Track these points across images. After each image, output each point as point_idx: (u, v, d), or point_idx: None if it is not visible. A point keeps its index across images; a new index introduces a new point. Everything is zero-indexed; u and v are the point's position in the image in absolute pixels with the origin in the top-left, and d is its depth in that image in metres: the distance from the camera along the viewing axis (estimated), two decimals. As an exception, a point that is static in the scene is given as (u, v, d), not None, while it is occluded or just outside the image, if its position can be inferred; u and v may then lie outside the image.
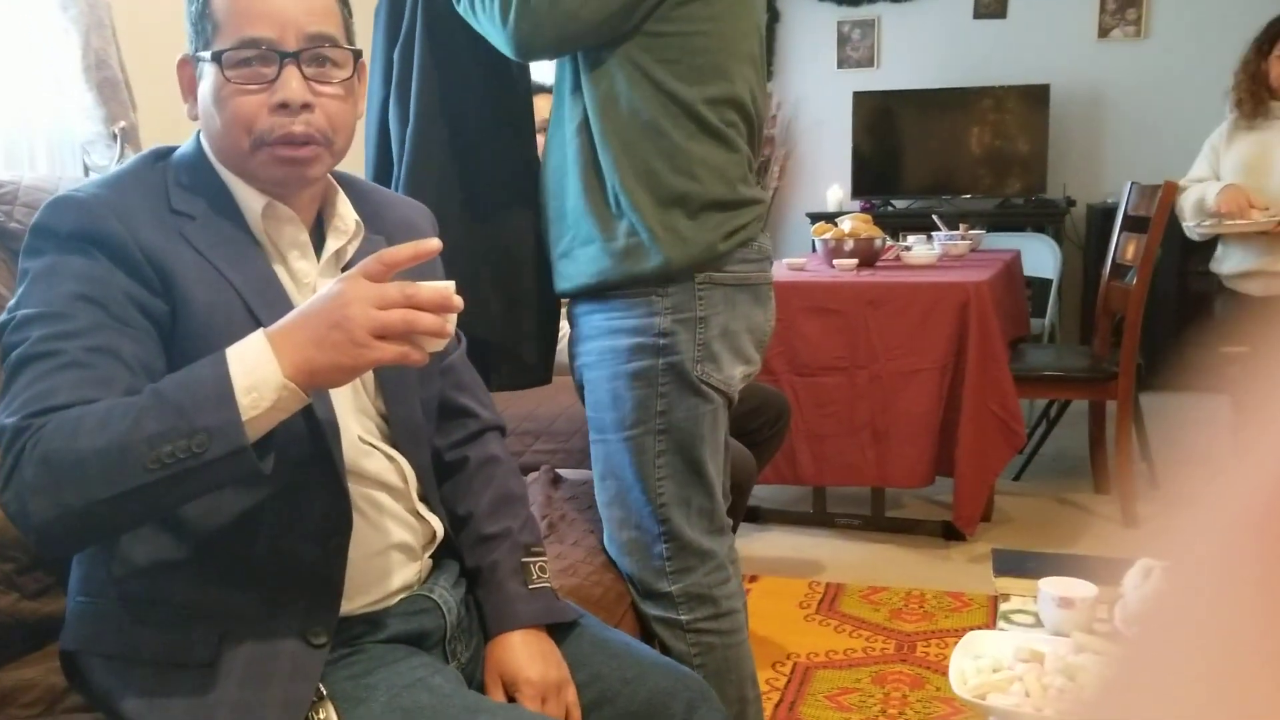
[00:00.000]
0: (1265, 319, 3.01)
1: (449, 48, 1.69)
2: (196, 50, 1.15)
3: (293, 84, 1.12)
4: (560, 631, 1.31)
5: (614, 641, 1.34)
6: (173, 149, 1.21)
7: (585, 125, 1.60)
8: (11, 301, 1.07)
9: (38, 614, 1.36)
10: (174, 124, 2.28)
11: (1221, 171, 3.09)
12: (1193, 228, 3.13)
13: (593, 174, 1.60)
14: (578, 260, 1.64)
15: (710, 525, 1.70)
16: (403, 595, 1.23)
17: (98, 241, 1.07)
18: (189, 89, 1.18)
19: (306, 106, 1.13)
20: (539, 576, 1.32)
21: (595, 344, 1.67)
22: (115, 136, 2.13)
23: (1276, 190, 2.91)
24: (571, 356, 1.74)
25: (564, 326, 2.45)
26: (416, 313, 0.99)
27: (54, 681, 1.27)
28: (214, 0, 1.13)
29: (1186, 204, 3.18)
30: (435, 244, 1.05)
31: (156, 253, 1.08)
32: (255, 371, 0.97)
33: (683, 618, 1.68)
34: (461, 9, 1.61)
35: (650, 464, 1.65)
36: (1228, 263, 3.11)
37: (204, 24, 1.13)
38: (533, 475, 2.11)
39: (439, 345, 1.04)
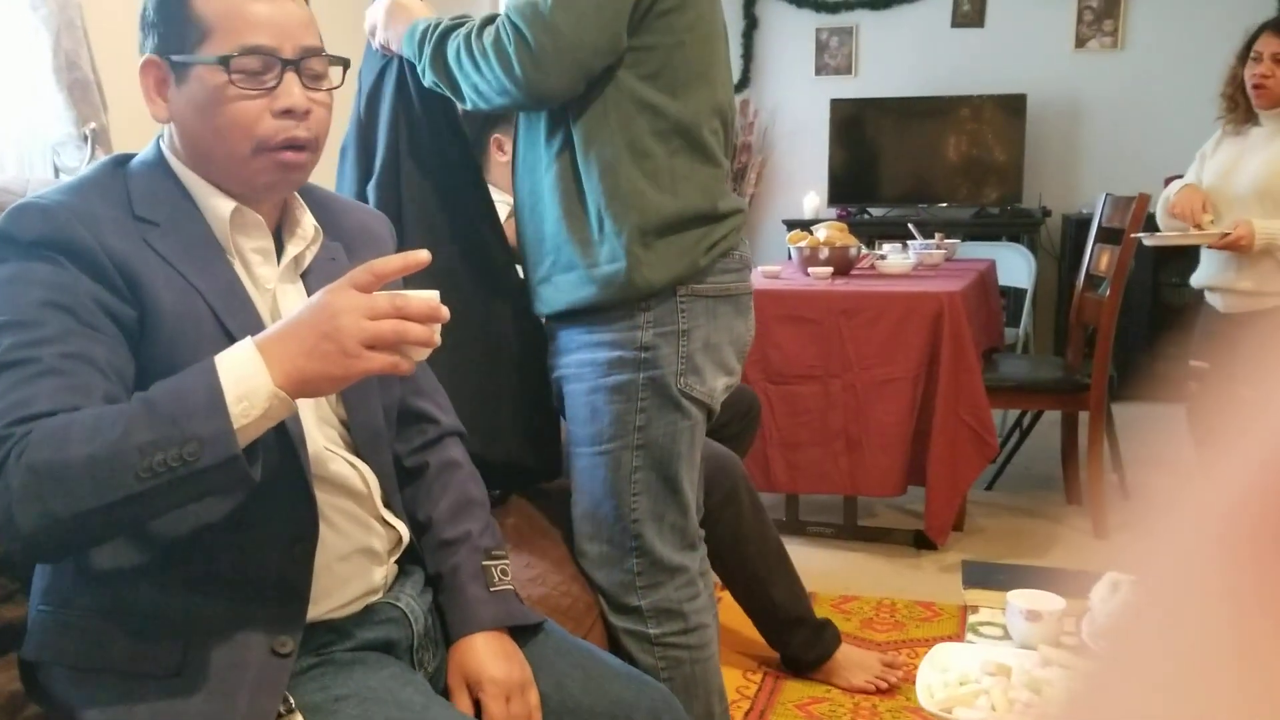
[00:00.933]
0: (1224, 336, 3.04)
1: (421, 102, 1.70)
2: (169, 53, 1.14)
3: (294, 90, 1.15)
4: (523, 637, 1.31)
5: (578, 649, 1.35)
6: (130, 156, 1.21)
7: (567, 149, 1.59)
8: None
9: (2, 620, 1.34)
10: (146, 125, 2.26)
11: (1204, 178, 3.12)
12: (1143, 237, 3.16)
13: (574, 199, 1.59)
14: (559, 286, 1.63)
15: (682, 541, 1.70)
16: (369, 600, 1.23)
17: (63, 249, 1.06)
18: (157, 91, 1.17)
19: (307, 113, 1.16)
20: (500, 580, 1.32)
21: (574, 357, 1.66)
22: (86, 138, 2.11)
23: (1241, 195, 2.92)
24: (549, 369, 1.74)
25: None
26: (407, 323, 1.00)
27: (14, 689, 1.25)
28: (198, 6, 1.13)
29: (1159, 204, 3.21)
30: (425, 255, 1.06)
31: (123, 259, 1.08)
32: (246, 381, 0.98)
33: (651, 632, 1.68)
34: (431, 79, 1.59)
35: (626, 479, 1.64)
36: (1198, 275, 3.14)
37: (185, 28, 1.13)
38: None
39: (425, 355, 1.05)
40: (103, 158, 1.22)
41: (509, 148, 2.56)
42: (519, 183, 1.68)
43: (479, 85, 1.53)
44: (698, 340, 1.64)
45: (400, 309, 1.00)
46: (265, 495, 1.12)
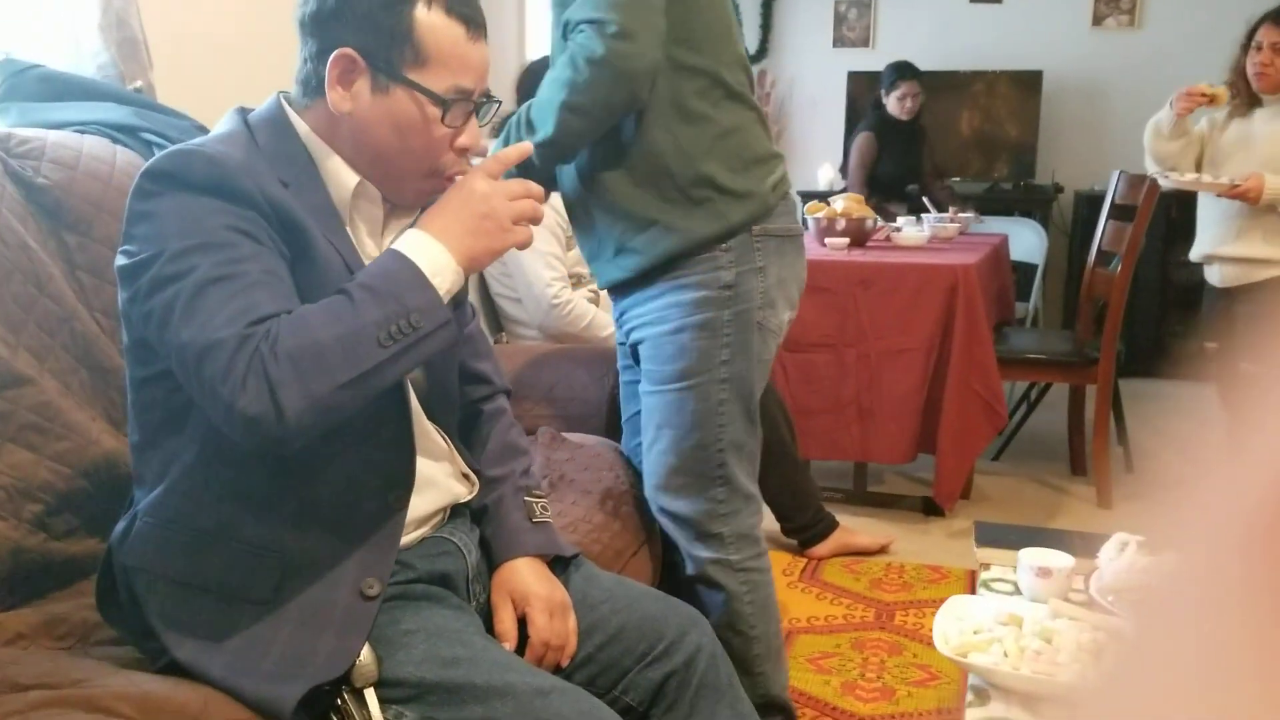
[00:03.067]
0: (1224, 311, 3.09)
1: None
2: (377, 60, 1.19)
3: (475, 132, 1.27)
4: (557, 568, 1.40)
5: (609, 577, 1.44)
6: (248, 111, 1.27)
7: (635, 128, 1.66)
8: (133, 244, 1.12)
9: (65, 554, 1.42)
10: (190, 84, 2.32)
11: (1206, 154, 3.17)
12: (1157, 174, 3.21)
13: (641, 166, 1.67)
14: (637, 248, 1.70)
15: (753, 470, 1.81)
16: (423, 530, 1.31)
17: (230, 194, 1.12)
18: (340, 81, 1.20)
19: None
20: (542, 514, 1.42)
21: (654, 304, 1.74)
22: (130, 94, 2.16)
23: (1253, 170, 2.98)
24: (619, 324, 1.82)
25: (580, 303, 2.52)
26: (535, 201, 1.23)
27: (85, 616, 1.33)
28: (422, 30, 1.19)
29: (1146, 139, 3.26)
30: (528, 145, 1.30)
31: (282, 207, 1.16)
32: (435, 260, 1.16)
33: (733, 557, 1.79)
34: (543, 141, 1.62)
35: (714, 410, 1.73)
36: (1196, 247, 3.19)
37: (402, 44, 1.19)
38: (531, 437, 2.18)
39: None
40: (229, 112, 1.27)
41: None
42: (563, 172, 1.75)
43: (578, 99, 1.56)
44: (773, 276, 1.74)
45: (528, 189, 1.22)
46: (370, 438, 1.21)
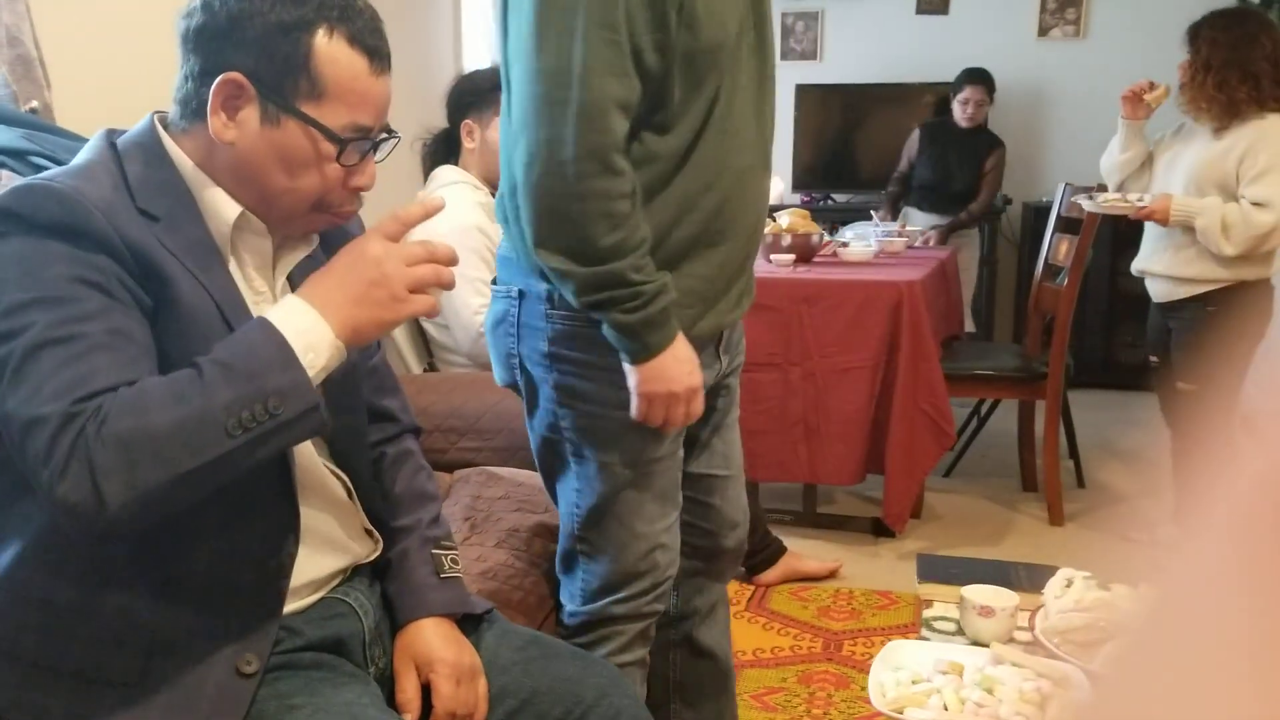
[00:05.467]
0: (1159, 326, 3.06)
1: None
2: (269, 89, 1.09)
3: (370, 170, 1.16)
4: (466, 627, 1.30)
5: (521, 635, 1.34)
6: (118, 133, 1.15)
7: None
8: None
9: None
10: (91, 104, 2.20)
11: (1153, 169, 3.14)
12: (1081, 197, 3.19)
13: None
14: None
15: None
16: (317, 594, 1.20)
17: (81, 238, 1.01)
18: (225, 108, 1.09)
19: None
20: (450, 568, 1.31)
21: None
22: (29, 116, 2.05)
23: (1177, 188, 2.95)
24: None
25: (477, 320, 2.42)
26: (439, 266, 1.09)
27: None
28: (321, 61, 1.09)
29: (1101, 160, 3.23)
30: (440, 201, 1.16)
31: (141, 250, 1.04)
32: (309, 333, 1.03)
33: None
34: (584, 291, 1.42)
35: None
36: (1135, 260, 3.16)
37: (298, 75, 1.09)
38: (465, 472, 2.08)
39: (440, 298, 1.14)
40: (95, 136, 1.15)
41: (478, 135, 2.53)
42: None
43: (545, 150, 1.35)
44: None
45: (431, 253, 1.09)
46: (248, 502, 1.10)
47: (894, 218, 4.85)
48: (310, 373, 1.02)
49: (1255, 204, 2.75)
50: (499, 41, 1.44)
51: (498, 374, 1.59)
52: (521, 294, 1.49)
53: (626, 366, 1.43)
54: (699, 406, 1.48)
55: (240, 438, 0.98)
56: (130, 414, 0.95)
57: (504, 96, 1.44)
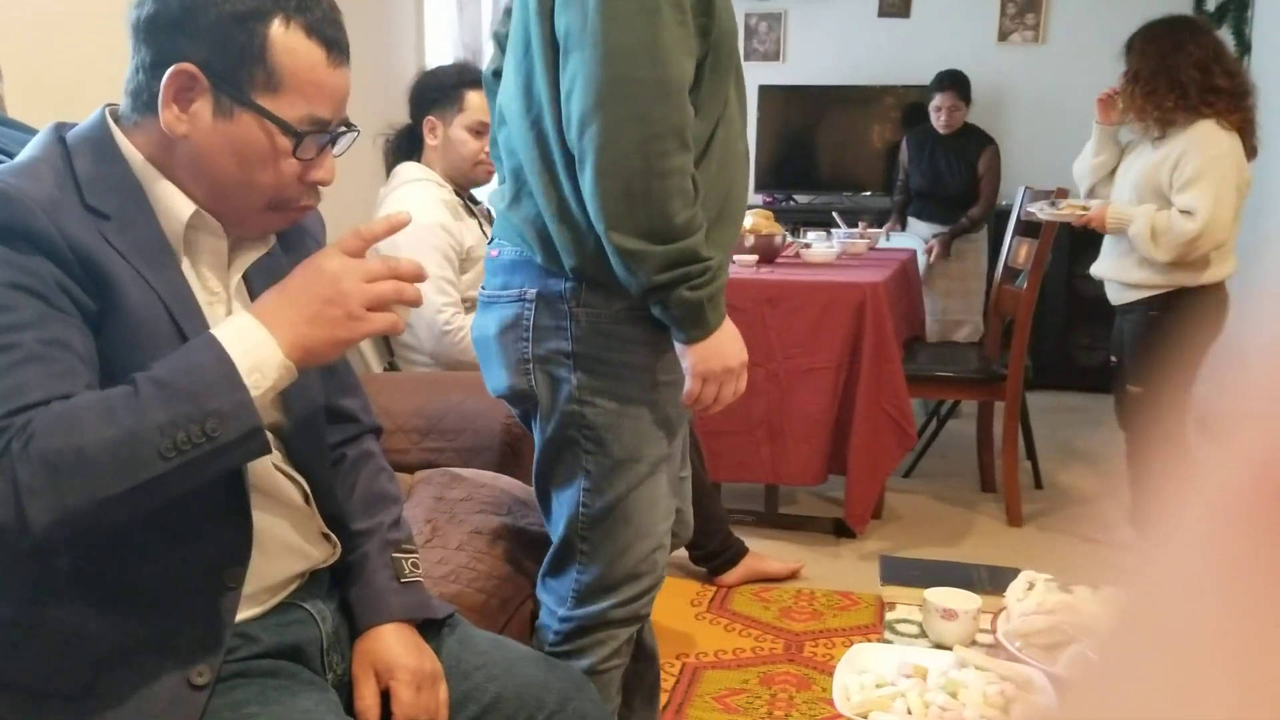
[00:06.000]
0: (1117, 329, 3.09)
1: None
2: (222, 80, 1.06)
3: (329, 164, 1.13)
4: (428, 632, 1.28)
5: (484, 639, 1.32)
6: (68, 128, 1.11)
7: None
8: None
9: None
10: (50, 95, 2.15)
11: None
12: (1038, 207, 3.23)
13: None
14: None
15: None
16: (272, 600, 1.18)
17: (20, 241, 0.98)
18: (177, 100, 1.06)
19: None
20: (411, 572, 1.29)
21: None
22: (-21, 107, 2.00)
23: (1125, 197, 2.99)
24: None
25: (440, 318, 2.39)
26: (401, 283, 1.05)
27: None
28: (277, 52, 1.06)
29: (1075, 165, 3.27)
30: (406, 216, 1.11)
31: (85, 251, 1.01)
32: (255, 352, 0.99)
33: None
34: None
35: None
36: (1093, 265, 3.20)
37: (253, 66, 1.06)
38: (427, 473, 2.05)
39: (407, 315, 1.08)
40: (44, 130, 1.11)
41: (440, 132, 2.51)
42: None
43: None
44: None
45: (393, 270, 1.05)
46: (199, 512, 1.07)
47: (902, 228, 4.81)
48: (254, 394, 0.98)
49: (1182, 211, 2.78)
50: (535, 37, 1.42)
51: (499, 379, 1.57)
52: (538, 296, 1.48)
53: (681, 349, 1.46)
54: (745, 382, 1.51)
55: (174, 460, 0.94)
56: (59, 433, 0.92)
57: (528, 99, 1.44)
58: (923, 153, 4.78)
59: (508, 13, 1.57)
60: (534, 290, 1.49)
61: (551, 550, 1.59)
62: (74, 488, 0.91)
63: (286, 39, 1.06)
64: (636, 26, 1.33)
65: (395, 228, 1.10)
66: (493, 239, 1.58)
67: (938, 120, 4.71)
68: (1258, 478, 0.23)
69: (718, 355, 1.46)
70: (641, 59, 1.33)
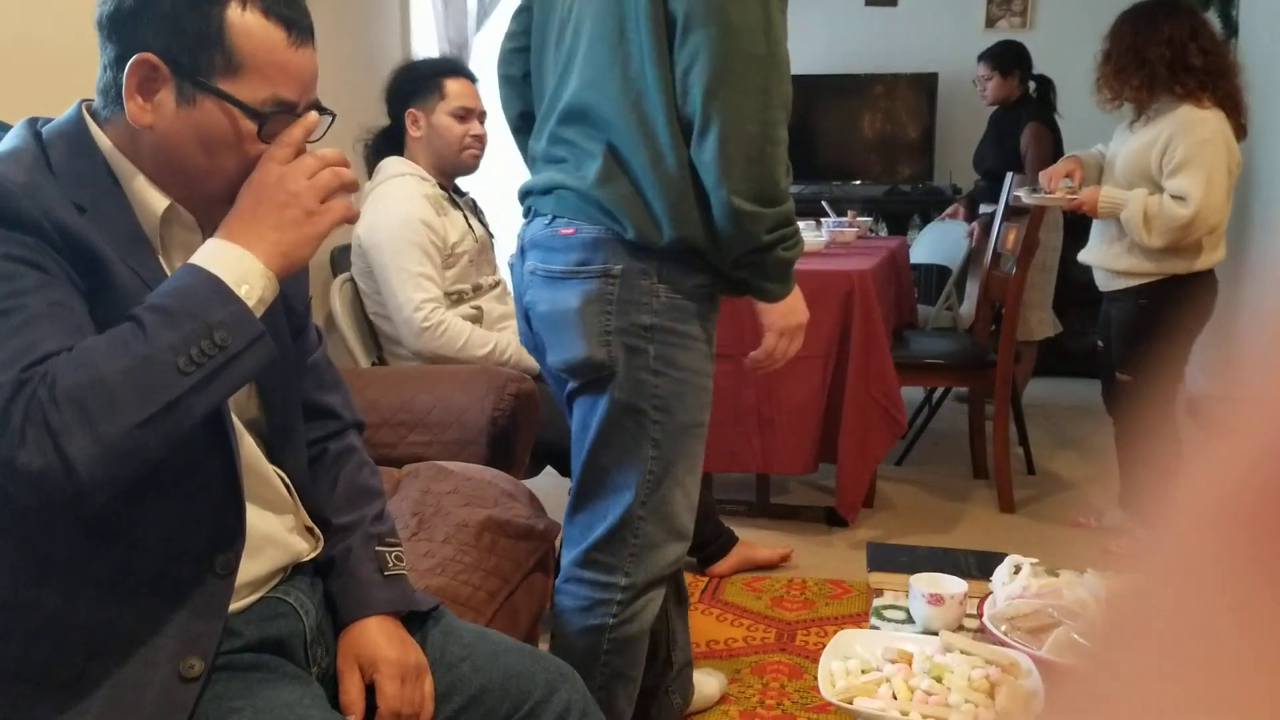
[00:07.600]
0: (1105, 315, 3.09)
1: None
2: (183, 67, 1.06)
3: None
4: (411, 625, 1.28)
5: (468, 631, 1.32)
6: (43, 122, 1.11)
7: None
8: None
9: None
10: (24, 90, 2.14)
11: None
12: (1024, 191, 3.23)
13: None
14: None
15: None
16: (255, 594, 1.18)
17: (11, 221, 0.98)
18: (140, 91, 1.06)
19: None
20: (395, 565, 1.29)
21: None
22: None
23: (1117, 180, 2.97)
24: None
25: (455, 323, 2.39)
26: (340, 168, 1.09)
27: None
28: (235, 34, 1.06)
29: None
30: (315, 118, 1.12)
31: (72, 233, 1.01)
32: (237, 267, 1.02)
33: None
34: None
35: None
36: (1081, 251, 3.19)
37: (212, 50, 1.06)
38: (414, 466, 2.05)
39: (356, 203, 1.10)
40: (18, 124, 1.11)
41: (423, 122, 2.50)
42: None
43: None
44: None
45: (324, 159, 1.08)
46: (190, 492, 1.07)
47: (972, 216, 4.71)
48: (248, 303, 1.01)
49: (1174, 197, 2.77)
50: (644, 20, 1.51)
51: (574, 349, 1.62)
52: (623, 272, 1.58)
53: (763, 307, 1.65)
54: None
55: (194, 374, 0.96)
56: (77, 370, 0.93)
57: (624, 82, 1.53)
58: (989, 132, 4.62)
59: (518, 19, 1.75)
60: (619, 266, 1.58)
61: (608, 526, 1.66)
62: (104, 417, 0.93)
63: (244, 21, 1.07)
64: (753, 7, 1.46)
65: (310, 128, 1.11)
66: (558, 218, 1.63)
67: (981, 94, 4.53)
68: (1261, 472, 0.22)
69: (793, 311, 1.66)
70: (759, 37, 1.46)
